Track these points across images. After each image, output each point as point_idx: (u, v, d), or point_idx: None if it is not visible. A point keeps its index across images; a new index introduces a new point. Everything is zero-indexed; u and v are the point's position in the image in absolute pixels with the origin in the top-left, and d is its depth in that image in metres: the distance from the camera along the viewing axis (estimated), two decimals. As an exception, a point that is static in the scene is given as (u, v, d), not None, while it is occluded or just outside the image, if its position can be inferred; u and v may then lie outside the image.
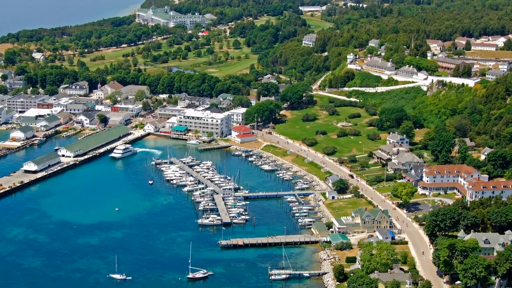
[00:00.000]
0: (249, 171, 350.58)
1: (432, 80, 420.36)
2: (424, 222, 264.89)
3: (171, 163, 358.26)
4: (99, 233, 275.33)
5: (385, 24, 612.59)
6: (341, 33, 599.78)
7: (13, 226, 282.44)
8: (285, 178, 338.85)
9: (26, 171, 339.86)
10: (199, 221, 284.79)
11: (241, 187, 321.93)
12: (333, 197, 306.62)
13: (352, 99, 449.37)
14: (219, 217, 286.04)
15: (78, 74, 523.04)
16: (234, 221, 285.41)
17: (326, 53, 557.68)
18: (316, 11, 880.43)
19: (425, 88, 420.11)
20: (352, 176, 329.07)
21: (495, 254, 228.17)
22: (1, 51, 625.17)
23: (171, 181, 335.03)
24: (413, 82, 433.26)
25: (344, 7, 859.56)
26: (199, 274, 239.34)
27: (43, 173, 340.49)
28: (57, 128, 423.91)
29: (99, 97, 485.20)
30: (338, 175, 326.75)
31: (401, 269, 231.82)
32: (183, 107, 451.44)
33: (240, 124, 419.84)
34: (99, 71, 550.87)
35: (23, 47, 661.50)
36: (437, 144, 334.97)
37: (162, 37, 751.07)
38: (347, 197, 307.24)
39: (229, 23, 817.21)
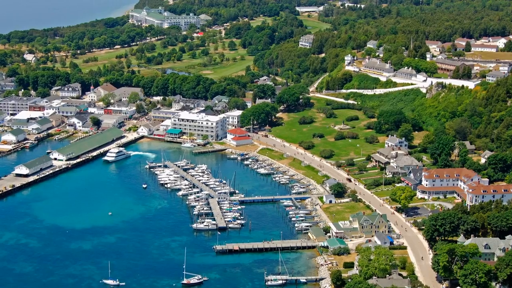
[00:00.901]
0: (245, 174, 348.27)
1: (432, 82, 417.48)
2: (423, 227, 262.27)
3: (165, 166, 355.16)
4: (92, 238, 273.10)
5: (384, 25, 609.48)
6: (339, 34, 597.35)
7: (4, 230, 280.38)
8: (281, 182, 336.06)
9: (18, 175, 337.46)
10: (194, 225, 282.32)
11: (237, 191, 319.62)
12: (330, 201, 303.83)
13: (350, 102, 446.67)
14: (214, 222, 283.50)
15: (70, 76, 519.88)
16: (230, 225, 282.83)
17: (323, 55, 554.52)
18: (313, 11, 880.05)
19: (424, 90, 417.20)
20: (349, 180, 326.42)
21: (495, 259, 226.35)
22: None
23: (165, 185, 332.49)
24: (412, 84, 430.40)
25: (341, 7, 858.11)
26: (193, 280, 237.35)
27: (35, 177, 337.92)
28: (49, 131, 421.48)
29: (91, 99, 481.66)
30: (336, 179, 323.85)
31: (399, 274, 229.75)
32: (178, 110, 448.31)
33: (235, 127, 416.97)
34: (92, 72, 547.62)
35: (15, 48, 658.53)
36: (436, 147, 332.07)
37: (156, 38, 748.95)
38: (344, 201, 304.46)
39: (224, 24, 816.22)
